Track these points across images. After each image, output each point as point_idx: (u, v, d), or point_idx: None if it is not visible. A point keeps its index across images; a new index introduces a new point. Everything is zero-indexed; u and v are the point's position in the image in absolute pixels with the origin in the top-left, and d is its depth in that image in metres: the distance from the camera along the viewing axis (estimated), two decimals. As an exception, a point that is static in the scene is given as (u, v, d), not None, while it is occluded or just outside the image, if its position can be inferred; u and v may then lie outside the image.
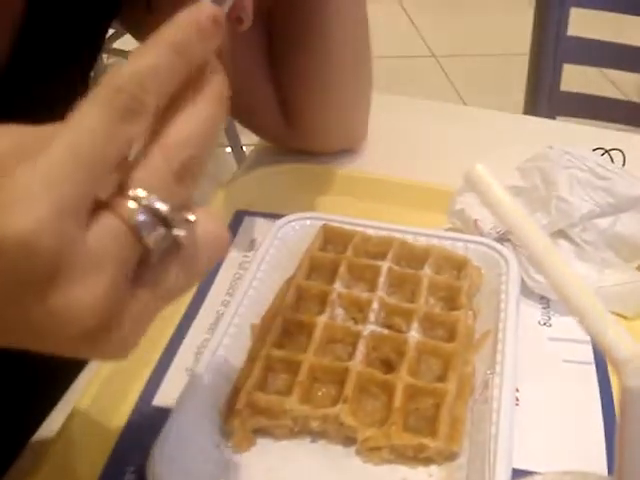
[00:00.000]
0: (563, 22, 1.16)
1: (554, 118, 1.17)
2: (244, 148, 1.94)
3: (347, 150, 0.67)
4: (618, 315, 0.50)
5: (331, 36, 0.58)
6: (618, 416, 0.23)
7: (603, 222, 0.53)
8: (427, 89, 2.51)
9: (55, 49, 0.49)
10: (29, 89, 0.47)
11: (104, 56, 2.07)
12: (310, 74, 0.61)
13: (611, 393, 0.45)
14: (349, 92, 0.63)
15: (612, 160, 0.61)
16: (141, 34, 0.61)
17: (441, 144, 0.70)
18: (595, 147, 0.60)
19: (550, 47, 1.18)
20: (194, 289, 0.51)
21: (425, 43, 2.96)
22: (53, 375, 0.44)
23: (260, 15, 0.59)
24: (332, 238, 0.51)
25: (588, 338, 0.49)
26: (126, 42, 1.90)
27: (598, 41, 1.19)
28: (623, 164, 0.62)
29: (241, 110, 0.65)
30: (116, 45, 2.01)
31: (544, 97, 1.19)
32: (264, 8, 0.59)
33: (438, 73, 2.76)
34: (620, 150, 0.62)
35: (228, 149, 2.07)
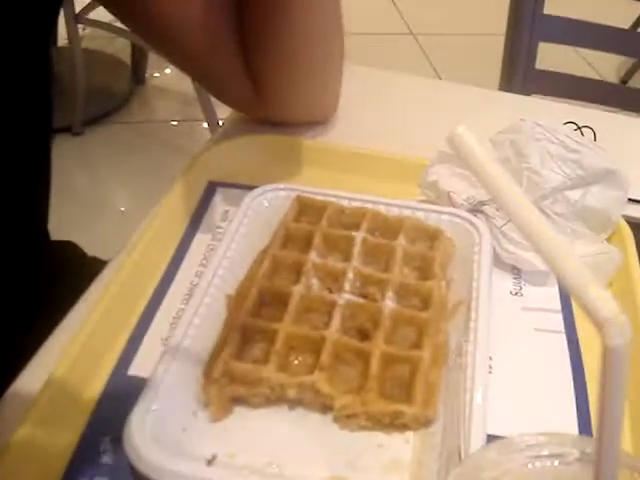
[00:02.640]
0: (539, 1, 1.17)
1: (529, 95, 1.18)
2: (220, 122, 1.93)
3: (318, 122, 0.66)
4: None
5: (299, 3, 0.57)
6: (600, 376, 0.23)
7: (573, 194, 0.53)
8: (404, 66, 2.51)
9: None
10: None
11: (79, 26, 2.05)
12: (278, 41, 0.60)
13: (581, 360, 0.46)
14: (318, 61, 0.62)
15: (583, 135, 0.61)
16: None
17: (415, 117, 0.70)
18: (566, 121, 0.61)
19: (526, 25, 1.18)
20: (166, 261, 0.51)
21: (403, 20, 2.95)
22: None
23: None
24: (306, 209, 0.51)
25: (559, 307, 0.50)
26: (100, 14, 1.89)
27: (574, 20, 1.19)
28: (594, 140, 0.63)
29: (211, 80, 0.65)
30: (92, 16, 1.99)
31: (519, 75, 1.20)
32: None
33: (416, 50, 2.76)
34: (591, 128, 0.63)
35: (205, 124, 2.07)
